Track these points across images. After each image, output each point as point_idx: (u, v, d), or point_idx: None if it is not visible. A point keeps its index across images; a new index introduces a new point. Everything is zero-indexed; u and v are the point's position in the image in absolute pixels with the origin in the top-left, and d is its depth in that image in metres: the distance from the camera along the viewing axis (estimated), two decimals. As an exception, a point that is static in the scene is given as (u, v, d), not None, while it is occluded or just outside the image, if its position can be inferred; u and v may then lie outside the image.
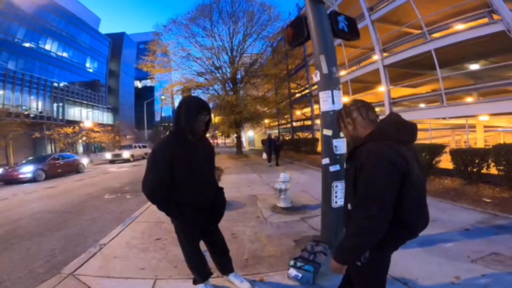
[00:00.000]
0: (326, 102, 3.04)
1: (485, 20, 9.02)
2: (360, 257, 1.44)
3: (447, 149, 7.21)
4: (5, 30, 25.05)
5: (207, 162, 2.27)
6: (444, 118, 10.33)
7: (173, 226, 2.30)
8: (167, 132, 2.31)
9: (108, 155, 22.87)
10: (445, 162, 7.29)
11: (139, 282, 2.70)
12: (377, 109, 15.79)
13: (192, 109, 2.12)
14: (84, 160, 16.69)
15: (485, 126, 13.30)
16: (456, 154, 6.66)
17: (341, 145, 3.00)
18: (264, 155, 12.87)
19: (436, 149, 7.19)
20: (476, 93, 11.50)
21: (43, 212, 6.16)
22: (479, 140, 12.68)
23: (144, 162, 14.29)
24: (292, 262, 2.59)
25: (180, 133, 2.11)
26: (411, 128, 1.47)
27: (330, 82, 3.06)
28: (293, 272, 2.54)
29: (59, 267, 3.15)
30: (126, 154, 22.06)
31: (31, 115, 27.25)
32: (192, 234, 2.26)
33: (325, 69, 3.07)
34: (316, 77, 3.20)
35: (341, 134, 3.02)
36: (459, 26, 10.36)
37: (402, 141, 1.42)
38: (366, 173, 1.35)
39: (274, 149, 12.91)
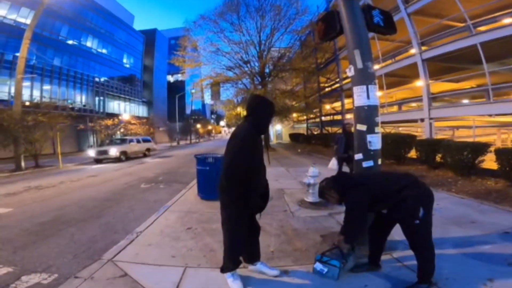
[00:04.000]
0: (361, 97, 2.97)
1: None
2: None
3: (491, 148, 6.68)
4: (50, 29, 26.97)
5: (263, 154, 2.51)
6: (490, 115, 9.53)
7: (225, 212, 2.44)
8: (243, 124, 2.51)
9: (91, 152, 17.27)
10: (489, 162, 6.78)
11: (170, 269, 2.86)
12: (413, 104, 15.08)
13: (272, 111, 2.54)
14: None
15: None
16: (502, 153, 6.15)
17: (375, 141, 2.94)
18: (333, 163, 6.45)
19: (480, 148, 6.70)
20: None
21: (87, 200, 6.67)
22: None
23: (144, 161, 13.63)
24: (318, 257, 2.60)
25: (258, 128, 2.38)
26: None
27: (365, 77, 2.98)
28: (319, 266, 2.55)
29: (100, 253, 3.36)
30: (113, 151, 16.49)
31: (76, 108, 29.45)
32: (245, 219, 2.44)
33: (359, 64, 2.99)
34: (350, 72, 3.12)
35: (376, 130, 2.95)
36: (507, 20, 9.49)
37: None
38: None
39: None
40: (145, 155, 19.72)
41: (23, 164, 13.41)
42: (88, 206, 6.02)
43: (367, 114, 2.92)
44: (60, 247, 3.80)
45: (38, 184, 9.29)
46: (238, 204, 2.34)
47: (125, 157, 17.21)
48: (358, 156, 2.95)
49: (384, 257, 2.76)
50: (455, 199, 5.15)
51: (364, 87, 2.91)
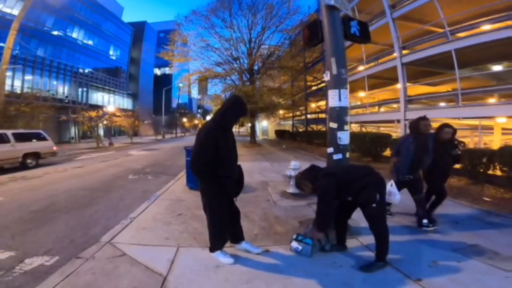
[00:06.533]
0: (334, 99, 3.40)
1: (510, 22, 8.89)
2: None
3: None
4: (35, 19, 26.27)
5: (234, 146, 2.88)
6: (458, 118, 10.30)
7: (205, 198, 2.84)
8: (210, 120, 2.98)
9: None
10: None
11: (165, 249, 3.20)
12: (395, 105, 15.83)
13: (240, 110, 2.80)
14: None
15: (504, 129, 13.01)
16: (465, 154, 6.78)
17: (344, 137, 3.38)
18: (391, 190, 3.39)
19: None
20: (497, 94, 11.29)
21: (76, 189, 6.82)
22: (495, 142, 12.48)
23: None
24: (294, 236, 3.03)
25: (222, 124, 2.72)
26: None
27: (338, 82, 3.39)
28: (294, 244, 2.98)
29: (96, 237, 3.61)
30: None
31: (57, 99, 28.83)
32: (224, 202, 2.81)
33: (335, 71, 3.40)
34: (326, 77, 3.53)
35: (345, 127, 3.38)
36: (484, 27, 10.19)
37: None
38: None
39: (437, 165, 3.87)
40: (24, 166, 10.60)
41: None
42: (78, 195, 6.19)
43: (338, 114, 3.36)
44: (56, 233, 4.00)
45: (23, 174, 9.23)
46: (213, 190, 2.74)
47: None
48: (330, 150, 3.40)
49: (350, 240, 3.26)
50: (419, 193, 5.71)
51: (337, 91, 3.33)
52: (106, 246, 3.28)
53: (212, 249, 2.92)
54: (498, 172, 6.15)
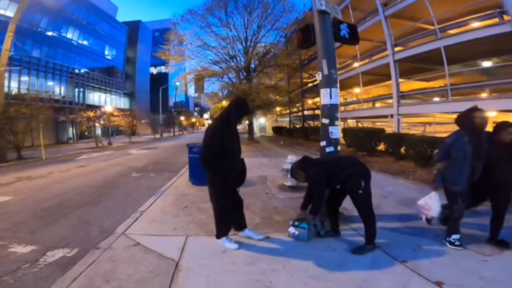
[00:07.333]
0: (325, 97, 3.71)
1: (496, 20, 9.22)
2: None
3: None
4: (29, 20, 26.16)
5: (238, 142, 3.23)
6: (447, 113, 10.66)
7: (211, 188, 3.18)
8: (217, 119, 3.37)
9: None
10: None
11: (174, 238, 3.51)
12: (389, 101, 16.20)
13: (244, 110, 3.25)
14: None
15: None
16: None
17: (336, 131, 3.71)
18: (429, 202, 3.10)
19: (434, 142, 7.68)
20: (488, 89, 11.66)
21: (83, 187, 7.09)
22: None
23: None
24: (291, 222, 3.36)
25: (227, 122, 3.10)
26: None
27: (329, 82, 3.70)
28: (292, 230, 3.31)
29: (110, 230, 3.86)
30: None
31: (55, 100, 28.84)
32: (228, 192, 3.16)
33: (326, 71, 3.71)
34: (318, 77, 3.83)
35: (336, 123, 3.71)
36: (473, 24, 10.53)
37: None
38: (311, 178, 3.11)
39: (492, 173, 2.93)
40: None
41: (7, 156, 13.39)
42: (86, 193, 6.47)
43: (330, 111, 3.69)
44: (72, 227, 4.27)
45: (28, 174, 9.47)
46: (219, 180, 3.09)
47: None
48: (322, 143, 3.72)
49: (344, 227, 3.59)
50: (409, 185, 6.09)
51: (328, 89, 3.65)
52: (121, 237, 3.56)
53: (218, 236, 3.24)
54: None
